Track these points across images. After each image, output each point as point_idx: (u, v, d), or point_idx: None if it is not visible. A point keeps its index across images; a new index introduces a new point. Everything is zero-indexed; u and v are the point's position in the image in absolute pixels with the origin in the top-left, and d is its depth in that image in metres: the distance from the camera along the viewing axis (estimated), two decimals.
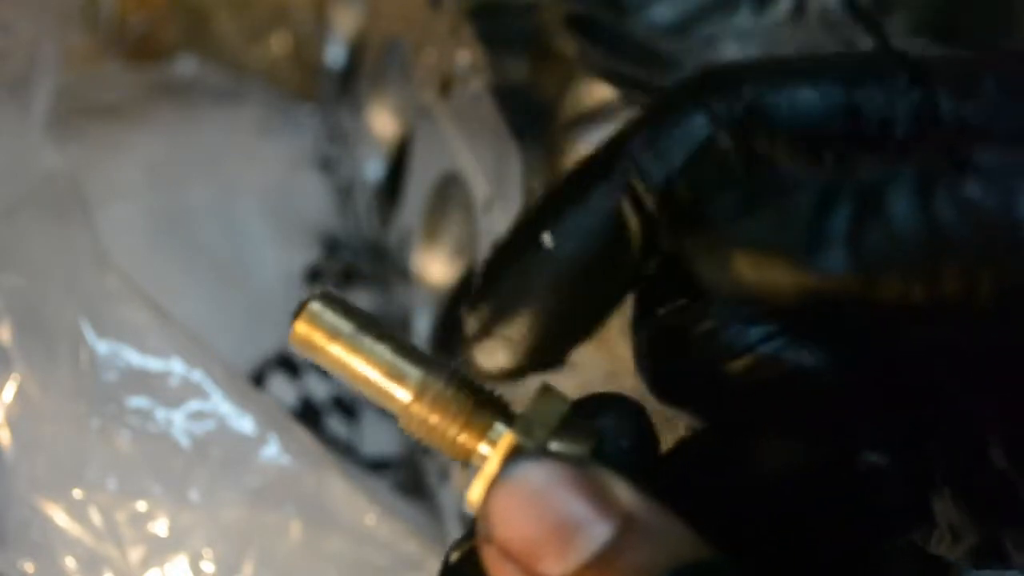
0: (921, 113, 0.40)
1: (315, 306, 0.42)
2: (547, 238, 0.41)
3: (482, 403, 0.41)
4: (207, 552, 0.67)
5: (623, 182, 0.41)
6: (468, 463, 0.41)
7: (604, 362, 0.64)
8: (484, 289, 0.42)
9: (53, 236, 0.71)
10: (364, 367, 0.41)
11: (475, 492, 0.40)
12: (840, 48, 0.69)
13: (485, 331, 0.41)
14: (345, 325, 0.42)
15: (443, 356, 0.43)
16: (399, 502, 0.78)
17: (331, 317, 0.42)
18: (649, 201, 0.40)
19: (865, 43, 0.69)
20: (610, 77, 0.67)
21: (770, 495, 0.41)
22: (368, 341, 0.42)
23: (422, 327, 0.87)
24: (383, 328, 0.42)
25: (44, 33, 0.89)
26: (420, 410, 0.41)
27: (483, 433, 0.41)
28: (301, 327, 0.42)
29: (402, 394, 0.41)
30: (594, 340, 0.61)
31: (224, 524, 0.67)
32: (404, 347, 0.42)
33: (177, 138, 1.03)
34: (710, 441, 0.43)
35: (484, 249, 0.72)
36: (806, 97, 0.41)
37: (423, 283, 0.87)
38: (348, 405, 0.90)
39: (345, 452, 0.87)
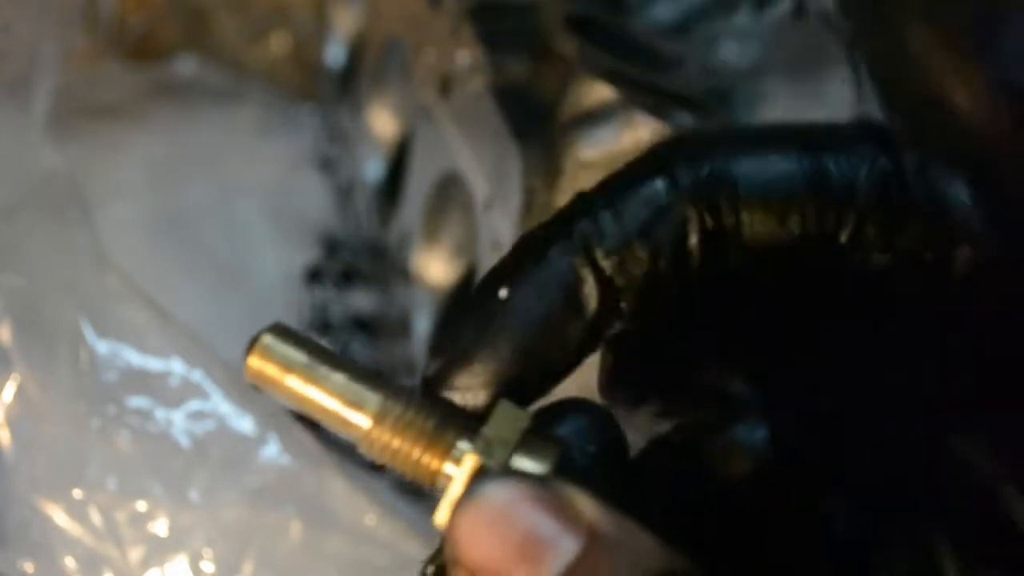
0: (888, 179, 0.42)
1: (267, 339, 0.42)
2: (503, 291, 0.42)
3: (443, 423, 0.41)
4: (207, 552, 0.67)
5: (582, 242, 0.41)
6: (434, 485, 0.41)
7: None
8: (443, 335, 0.43)
9: (53, 236, 0.71)
10: (322, 396, 0.41)
11: (441, 515, 0.40)
12: (841, 48, 0.69)
13: (441, 379, 0.42)
14: (299, 356, 0.41)
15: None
16: (399, 502, 0.78)
17: (284, 349, 0.42)
18: (607, 264, 0.41)
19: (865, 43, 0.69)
20: (610, 77, 0.67)
21: (739, 491, 0.41)
22: (324, 370, 0.41)
23: (422, 327, 0.87)
24: (338, 357, 0.42)
25: (44, 33, 0.89)
26: (381, 435, 0.41)
27: (446, 453, 0.41)
28: (254, 361, 0.41)
29: (362, 420, 0.41)
30: None
31: (224, 524, 0.67)
32: (361, 373, 0.42)
33: (177, 138, 1.03)
34: (677, 442, 0.43)
35: (484, 249, 0.72)
36: (772, 163, 0.42)
37: (423, 283, 0.87)
38: None
39: (345, 452, 0.87)
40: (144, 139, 1.02)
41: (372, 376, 0.42)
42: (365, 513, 0.70)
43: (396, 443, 0.41)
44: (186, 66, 1.08)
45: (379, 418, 0.41)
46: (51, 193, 0.72)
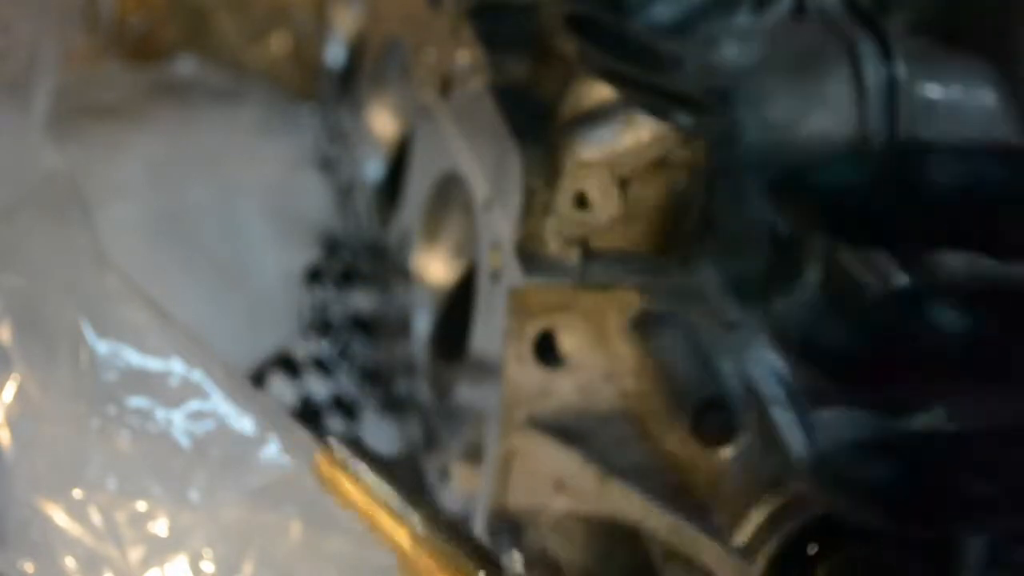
0: None
1: (338, 448, 0.49)
2: None
3: (473, 553, 0.46)
4: (207, 552, 0.67)
5: None
6: None
7: (604, 362, 0.64)
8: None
9: (53, 236, 0.71)
10: (375, 509, 0.48)
11: None
12: (839, 47, 0.69)
13: None
14: (364, 470, 0.48)
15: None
16: None
17: (353, 461, 0.49)
18: None
19: (865, 43, 0.69)
20: (610, 77, 0.67)
21: None
22: (384, 487, 0.48)
23: (422, 327, 0.87)
24: (394, 474, 0.48)
25: (44, 33, 0.89)
26: (417, 554, 0.47)
27: None
28: (324, 467, 0.49)
29: (403, 539, 0.47)
30: (594, 340, 0.61)
31: (224, 524, 0.67)
32: (412, 495, 0.48)
33: (177, 138, 1.03)
34: None
35: (484, 249, 0.72)
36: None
37: (423, 283, 0.87)
38: (348, 405, 0.91)
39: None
40: (144, 139, 1.02)
41: (421, 497, 0.48)
42: None
43: (429, 564, 0.47)
44: (186, 66, 1.08)
45: (419, 538, 0.47)
46: (51, 193, 0.72)
